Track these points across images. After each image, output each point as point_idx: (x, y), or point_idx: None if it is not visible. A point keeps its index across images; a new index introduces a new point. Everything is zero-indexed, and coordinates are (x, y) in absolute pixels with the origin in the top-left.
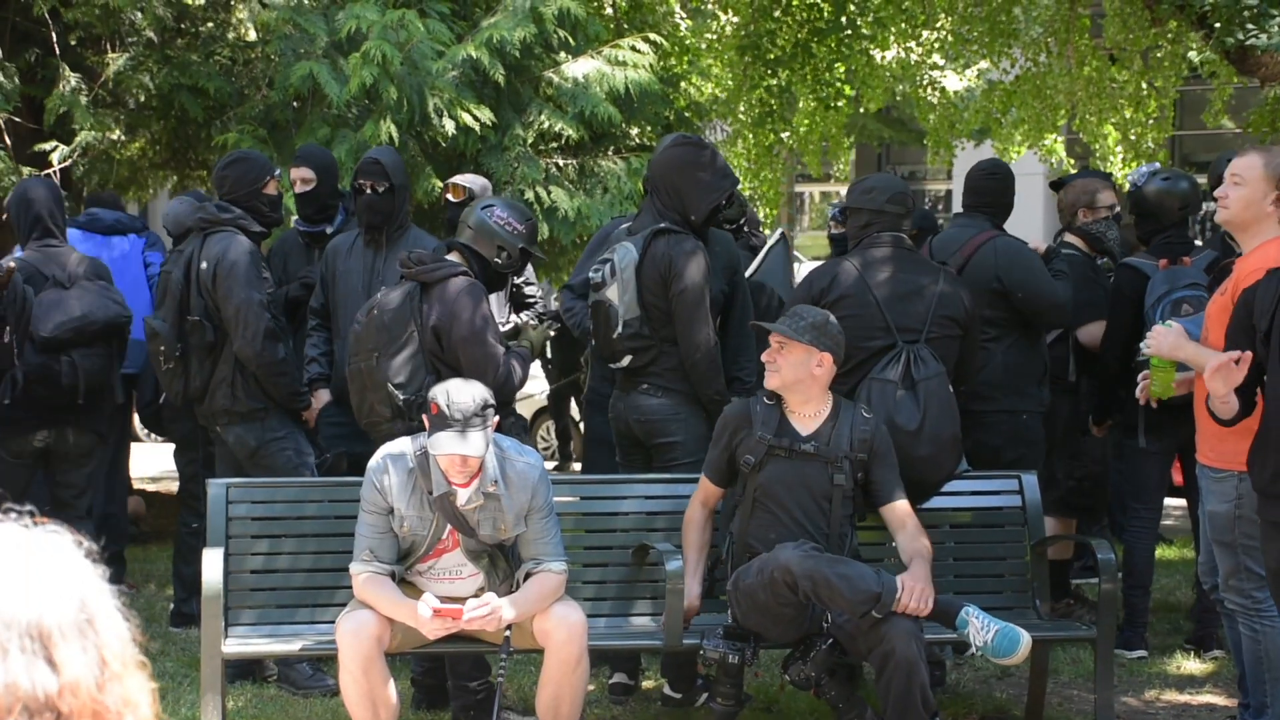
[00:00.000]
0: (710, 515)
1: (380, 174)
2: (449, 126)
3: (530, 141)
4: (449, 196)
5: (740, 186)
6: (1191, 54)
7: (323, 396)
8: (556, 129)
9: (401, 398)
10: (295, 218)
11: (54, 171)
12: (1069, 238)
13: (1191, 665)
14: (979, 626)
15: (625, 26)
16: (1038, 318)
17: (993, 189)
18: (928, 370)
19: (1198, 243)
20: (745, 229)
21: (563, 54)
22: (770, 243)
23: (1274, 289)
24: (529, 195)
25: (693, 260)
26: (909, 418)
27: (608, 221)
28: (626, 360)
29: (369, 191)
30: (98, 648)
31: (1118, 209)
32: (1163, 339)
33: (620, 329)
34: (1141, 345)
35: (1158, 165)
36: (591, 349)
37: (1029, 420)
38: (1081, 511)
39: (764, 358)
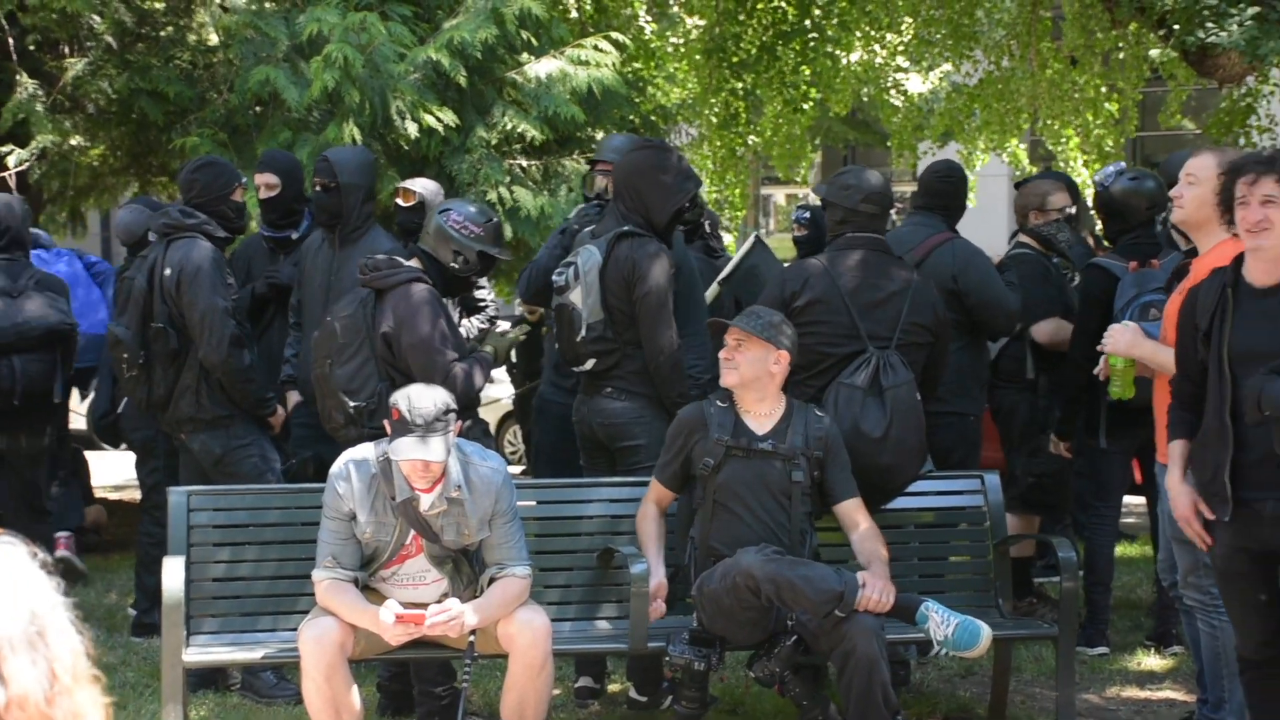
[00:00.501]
0: (663, 512)
1: (326, 171)
2: (411, 129)
3: (494, 143)
4: (399, 201)
5: (706, 190)
6: (1153, 52)
7: (293, 398)
8: (520, 130)
9: (352, 405)
10: (261, 223)
11: (10, 176)
12: (1023, 238)
13: (1152, 661)
14: (939, 621)
15: (590, 29)
16: (987, 323)
17: (946, 191)
18: (896, 378)
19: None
20: (705, 230)
21: (525, 55)
22: (745, 248)
23: (1216, 289)
24: (492, 196)
25: (656, 263)
26: (874, 424)
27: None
28: (590, 364)
29: (318, 189)
30: (48, 660)
31: (1070, 211)
32: (1119, 337)
33: (584, 332)
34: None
35: (1124, 165)
36: (554, 354)
37: (974, 423)
38: (1044, 509)
39: (721, 355)
